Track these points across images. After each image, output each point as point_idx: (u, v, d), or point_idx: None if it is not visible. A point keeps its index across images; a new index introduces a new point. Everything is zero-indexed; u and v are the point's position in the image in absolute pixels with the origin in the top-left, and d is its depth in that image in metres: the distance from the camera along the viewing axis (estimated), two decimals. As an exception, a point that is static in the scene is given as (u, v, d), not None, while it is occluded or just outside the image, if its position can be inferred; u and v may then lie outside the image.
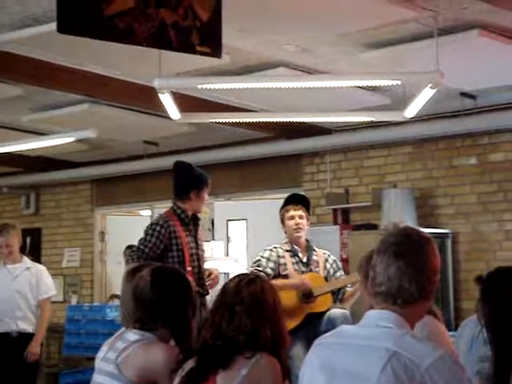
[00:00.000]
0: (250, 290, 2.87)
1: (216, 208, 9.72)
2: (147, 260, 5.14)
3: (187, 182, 5.51)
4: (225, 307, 2.85)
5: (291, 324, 5.35)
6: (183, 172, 5.60)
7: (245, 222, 10.04)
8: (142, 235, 5.41)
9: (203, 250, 5.56)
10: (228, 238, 10.09)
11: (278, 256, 5.65)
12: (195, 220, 5.56)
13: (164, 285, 3.28)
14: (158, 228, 5.33)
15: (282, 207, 5.82)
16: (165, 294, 3.25)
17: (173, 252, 5.33)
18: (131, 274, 3.46)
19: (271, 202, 9.14)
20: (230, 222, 10.09)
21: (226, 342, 2.78)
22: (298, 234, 5.69)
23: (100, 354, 3.31)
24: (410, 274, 2.31)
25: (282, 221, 5.77)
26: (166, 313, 3.21)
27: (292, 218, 5.69)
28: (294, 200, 5.84)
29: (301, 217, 5.70)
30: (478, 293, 3.46)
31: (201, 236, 5.62)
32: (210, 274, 5.52)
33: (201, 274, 5.43)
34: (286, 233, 5.80)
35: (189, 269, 5.30)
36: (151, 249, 5.27)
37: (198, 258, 5.43)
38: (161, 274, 3.37)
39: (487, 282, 3.44)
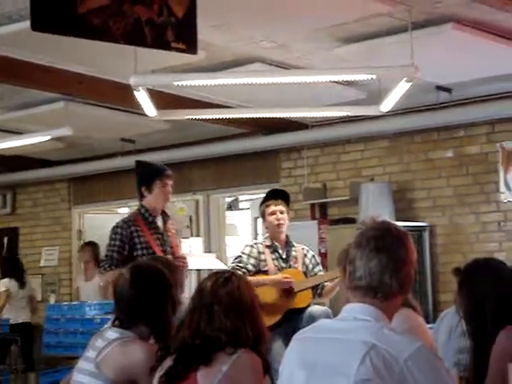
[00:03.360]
0: (227, 290, 2.86)
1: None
2: (118, 265, 5.20)
3: (138, 180, 5.57)
4: (203, 307, 2.84)
5: (271, 320, 5.35)
6: (135, 171, 5.67)
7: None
8: None
9: (172, 247, 5.48)
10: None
11: (259, 252, 5.66)
12: (163, 216, 5.53)
13: (143, 282, 3.28)
14: (119, 230, 5.37)
15: (262, 203, 5.82)
16: (144, 291, 3.24)
17: (137, 251, 5.32)
18: None
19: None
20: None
21: (206, 341, 2.77)
22: (280, 230, 5.68)
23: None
24: (391, 269, 2.33)
25: (263, 216, 5.77)
26: (145, 311, 3.21)
27: (273, 213, 5.68)
28: (274, 195, 5.84)
29: (281, 212, 5.69)
30: (456, 285, 3.49)
31: (171, 232, 5.55)
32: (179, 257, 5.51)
33: None
34: (266, 228, 5.80)
35: None
36: (118, 252, 5.30)
37: (166, 255, 5.37)
38: (140, 272, 3.36)
39: (465, 273, 3.47)
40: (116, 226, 5.41)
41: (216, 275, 2.96)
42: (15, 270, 9.69)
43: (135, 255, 5.29)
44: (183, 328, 2.85)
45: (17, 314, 9.45)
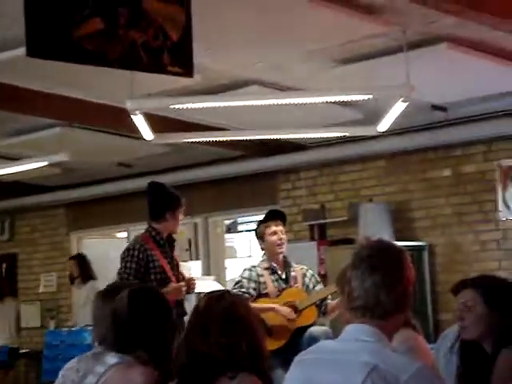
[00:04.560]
0: (221, 306, 2.84)
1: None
2: None
3: (162, 203, 5.49)
4: (198, 326, 2.83)
5: (281, 341, 5.41)
6: (157, 193, 5.58)
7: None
8: (118, 258, 5.40)
9: (179, 272, 5.54)
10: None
11: (258, 275, 5.66)
12: (170, 241, 5.54)
13: (142, 306, 3.24)
14: (135, 253, 5.31)
15: (261, 223, 5.82)
16: (142, 315, 3.20)
17: (150, 275, 5.30)
18: (109, 295, 3.41)
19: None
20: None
21: (204, 361, 2.74)
22: (281, 250, 5.70)
23: (73, 376, 3.26)
24: (387, 287, 2.31)
25: (262, 237, 5.75)
26: (143, 335, 3.17)
27: (275, 233, 5.70)
28: (274, 216, 5.86)
29: (282, 232, 5.73)
30: (465, 298, 3.44)
31: (177, 257, 5.61)
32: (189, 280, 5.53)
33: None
34: (263, 250, 5.79)
35: None
36: (134, 276, 5.25)
37: (178, 279, 5.42)
38: (139, 296, 3.33)
39: (477, 287, 3.43)
40: (132, 249, 5.35)
41: (210, 294, 2.95)
42: None
43: (149, 279, 5.27)
44: (181, 349, 2.83)
45: None
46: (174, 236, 5.65)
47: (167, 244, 5.50)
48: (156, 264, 5.33)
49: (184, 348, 2.81)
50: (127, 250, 5.39)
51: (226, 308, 2.83)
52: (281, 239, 5.69)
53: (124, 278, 5.25)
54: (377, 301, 2.31)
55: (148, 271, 5.29)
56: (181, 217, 5.52)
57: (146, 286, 4.69)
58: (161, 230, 5.45)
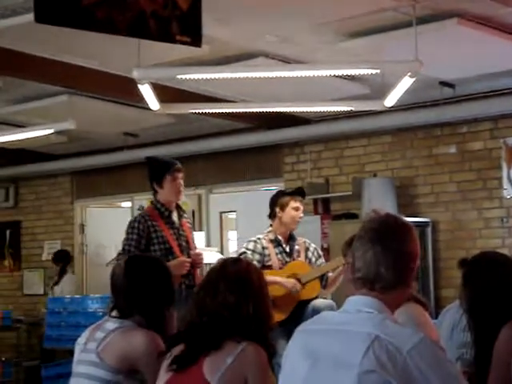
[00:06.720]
0: (235, 268, 2.91)
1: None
2: None
3: (149, 175, 5.56)
4: (209, 284, 2.89)
5: (283, 314, 5.45)
6: (148, 167, 5.64)
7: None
8: (121, 227, 5.46)
9: (188, 242, 5.52)
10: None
11: (263, 247, 5.69)
12: (179, 211, 5.56)
13: (137, 272, 3.30)
14: (136, 225, 5.36)
15: (286, 195, 5.83)
16: (137, 281, 3.26)
17: (154, 246, 5.33)
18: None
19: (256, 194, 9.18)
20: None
21: (212, 320, 2.78)
22: (295, 226, 5.76)
23: (80, 342, 3.32)
24: (387, 261, 2.32)
25: (283, 207, 5.75)
26: (138, 300, 3.22)
27: (298, 209, 5.75)
28: (301, 194, 5.89)
29: (302, 211, 5.79)
30: (461, 277, 3.47)
31: (186, 227, 5.58)
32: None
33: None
34: (274, 218, 5.77)
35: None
36: (136, 247, 5.29)
37: (182, 250, 5.44)
38: (135, 262, 3.40)
39: (472, 265, 3.46)
40: (133, 220, 5.43)
41: (226, 258, 3.04)
42: None
43: (152, 250, 5.31)
44: (191, 307, 2.88)
45: None
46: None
47: (176, 214, 5.51)
48: (159, 234, 5.35)
49: (194, 305, 2.87)
50: (130, 222, 5.46)
51: (239, 270, 2.90)
52: (300, 217, 5.77)
53: (126, 249, 5.30)
54: (377, 274, 2.32)
55: (150, 242, 5.33)
56: (174, 185, 5.45)
57: (145, 254, 4.75)
58: (162, 201, 5.47)
